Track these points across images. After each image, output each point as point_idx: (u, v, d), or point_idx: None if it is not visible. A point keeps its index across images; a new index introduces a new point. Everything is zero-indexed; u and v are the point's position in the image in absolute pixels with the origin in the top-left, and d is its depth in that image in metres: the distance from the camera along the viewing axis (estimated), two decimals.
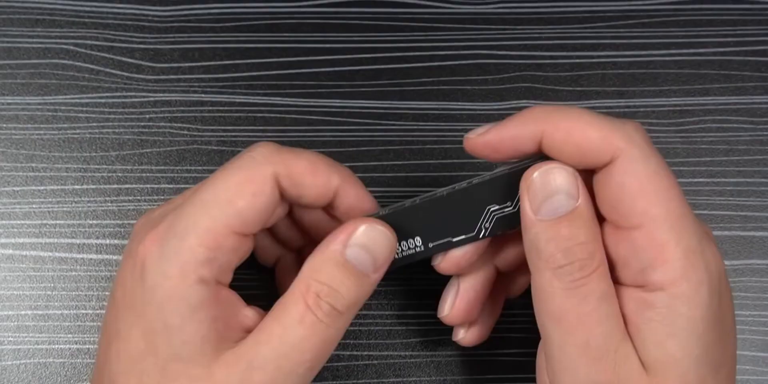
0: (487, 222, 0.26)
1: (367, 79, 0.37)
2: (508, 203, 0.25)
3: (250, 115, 0.36)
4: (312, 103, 0.36)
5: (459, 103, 0.36)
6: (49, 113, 0.35)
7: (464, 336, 0.30)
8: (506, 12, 0.38)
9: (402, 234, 0.26)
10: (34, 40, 0.36)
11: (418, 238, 0.26)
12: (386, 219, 0.26)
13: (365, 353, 0.33)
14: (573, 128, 0.23)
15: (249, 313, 0.25)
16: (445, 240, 0.26)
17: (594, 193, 0.24)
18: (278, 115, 0.36)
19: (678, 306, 0.22)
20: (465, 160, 0.36)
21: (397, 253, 0.26)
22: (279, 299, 0.24)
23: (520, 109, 0.36)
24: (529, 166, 0.24)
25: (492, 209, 0.25)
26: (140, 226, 0.26)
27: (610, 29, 0.38)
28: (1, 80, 0.36)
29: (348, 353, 0.33)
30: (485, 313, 0.30)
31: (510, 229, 0.26)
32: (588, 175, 0.25)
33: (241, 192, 0.24)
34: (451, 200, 0.26)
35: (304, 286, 0.24)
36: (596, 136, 0.23)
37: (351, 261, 0.24)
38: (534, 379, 0.27)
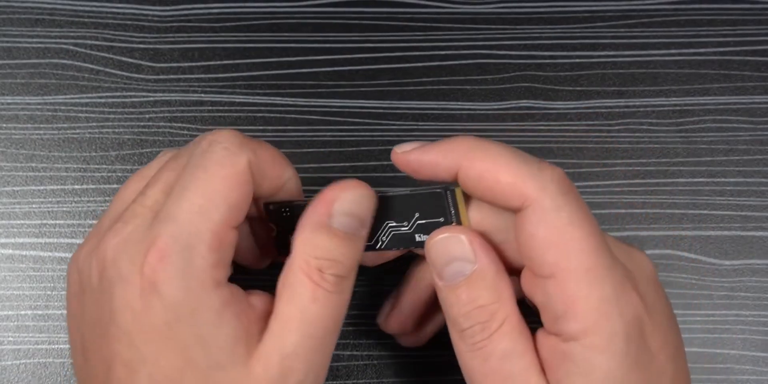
0: (384, 235, 0.26)
1: (366, 78, 0.37)
2: (405, 223, 0.26)
3: (249, 115, 0.36)
4: (312, 103, 0.36)
5: (459, 103, 0.36)
6: (49, 113, 0.35)
7: (400, 339, 0.31)
8: (506, 12, 0.38)
9: None
10: (34, 39, 0.36)
11: None
12: (297, 210, 0.26)
13: (365, 353, 0.33)
14: (486, 170, 0.23)
15: (255, 301, 0.25)
16: None
17: (515, 233, 0.25)
18: (278, 115, 0.36)
19: (592, 358, 0.22)
20: None
21: None
22: (281, 278, 0.24)
23: (520, 108, 0.36)
24: (428, 192, 0.25)
25: (390, 225, 0.26)
26: (113, 252, 0.24)
27: (609, 29, 0.38)
28: (0, 80, 0.36)
29: (348, 353, 0.33)
30: (425, 324, 0.31)
31: (406, 248, 0.26)
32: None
33: (231, 186, 0.24)
34: None
35: (304, 264, 0.24)
36: (507, 181, 0.23)
37: (339, 228, 0.24)
38: None
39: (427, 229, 0.25)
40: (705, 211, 0.35)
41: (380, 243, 0.26)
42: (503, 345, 0.23)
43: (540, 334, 0.24)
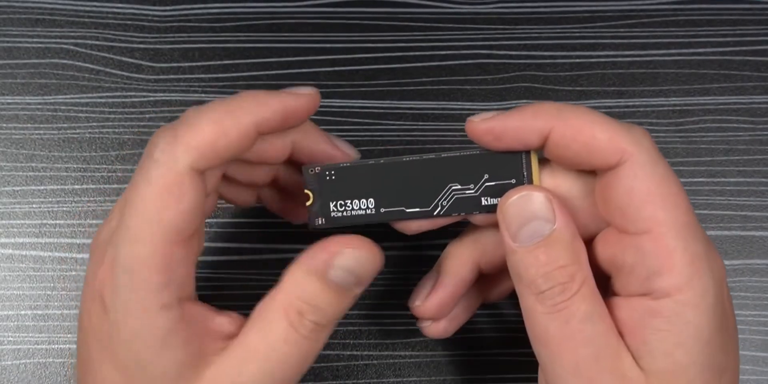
0: (445, 200, 0.25)
1: (366, 78, 0.37)
2: (471, 186, 0.25)
3: None
4: None
5: (459, 103, 0.36)
6: (49, 113, 0.35)
7: (428, 326, 0.30)
8: (506, 12, 0.38)
9: (355, 192, 0.25)
10: (34, 39, 0.36)
11: (371, 200, 0.25)
12: (344, 172, 0.25)
13: (365, 353, 0.33)
14: (583, 127, 0.23)
15: (223, 321, 0.24)
16: (398, 208, 0.25)
17: (598, 195, 0.24)
18: None
19: (685, 313, 0.22)
20: None
21: (345, 212, 0.25)
22: (260, 304, 0.24)
23: None
24: (501, 154, 0.24)
25: (454, 188, 0.25)
26: (93, 249, 0.25)
27: (609, 29, 0.38)
28: (1, 80, 0.36)
29: (348, 353, 0.33)
30: (457, 311, 0.30)
31: (468, 213, 0.25)
32: (589, 177, 0.25)
33: (162, 205, 0.22)
34: (416, 168, 0.25)
35: (287, 302, 0.23)
36: (605, 136, 0.23)
37: (335, 281, 0.24)
38: (535, 379, 0.27)
39: (497, 192, 0.24)
40: (705, 211, 0.35)
41: (439, 208, 0.25)
42: (585, 307, 0.23)
43: (617, 300, 0.24)
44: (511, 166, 0.24)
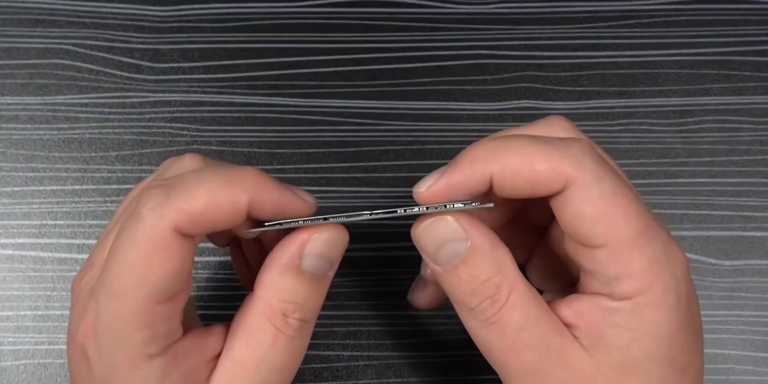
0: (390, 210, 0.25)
1: (367, 79, 0.37)
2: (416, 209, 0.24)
3: (250, 115, 0.36)
4: (312, 103, 0.36)
5: (459, 103, 0.36)
6: (49, 113, 0.35)
7: (419, 296, 0.30)
8: (506, 12, 0.38)
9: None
10: (34, 40, 0.36)
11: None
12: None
13: (365, 353, 0.33)
14: (521, 164, 0.23)
15: (213, 341, 0.24)
16: (343, 213, 0.25)
17: (554, 214, 0.24)
18: (278, 115, 0.36)
19: (644, 313, 0.23)
20: None
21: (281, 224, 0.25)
22: (237, 316, 0.24)
23: (520, 109, 0.36)
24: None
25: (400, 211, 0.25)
26: (74, 297, 0.25)
27: (610, 29, 0.38)
28: (1, 80, 0.36)
29: (348, 353, 0.33)
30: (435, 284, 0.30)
31: (411, 209, 0.24)
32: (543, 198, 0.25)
33: (147, 267, 0.22)
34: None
35: (267, 307, 0.23)
36: (544, 167, 0.23)
37: (309, 270, 0.24)
38: None
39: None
40: (705, 212, 0.35)
41: (383, 210, 0.25)
42: (517, 315, 0.23)
43: (578, 294, 0.24)
44: None
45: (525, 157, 0.23)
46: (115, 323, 0.22)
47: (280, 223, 0.24)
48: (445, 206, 0.24)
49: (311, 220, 0.24)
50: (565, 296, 0.25)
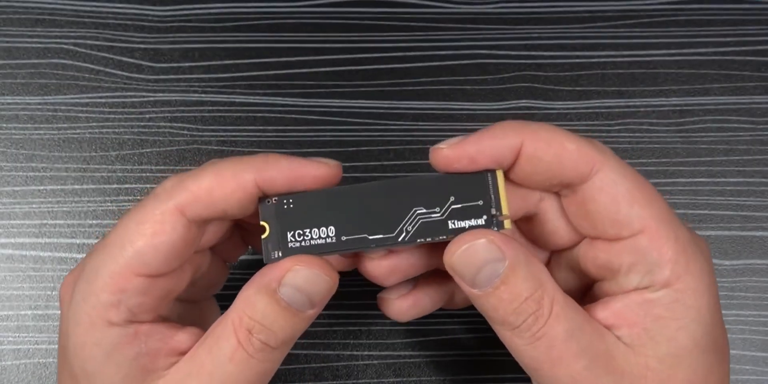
0: (410, 225, 0.24)
1: (367, 79, 0.37)
2: (437, 209, 0.24)
3: (250, 115, 0.36)
4: (312, 103, 0.36)
5: (459, 103, 0.36)
6: (49, 113, 0.35)
7: (394, 301, 0.28)
8: (506, 12, 0.38)
9: (314, 221, 0.24)
10: (34, 39, 0.36)
11: (331, 228, 0.24)
12: (303, 200, 0.24)
13: (365, 353, 0.33)
14: (552, 138, 0.23)
15: (183, 338, 0.24)
16: (361, 236, 0.24)
17: (573, 214, 0.25)
18: (278, 115, 0.36)
19: (685, 298, 0.23)
20: None
21: (304, 241, 0.24)
22: (218, 320, 0.24)
23: (520, 108, 0.36)
24: (466, 175, 0.23)
25: (419, 212, 0.24)
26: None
27: (609, 29, 0.38)
28: (1, 80, 0.36)
29: (348, 353, 0.33)
30: (423, 297, 0.28)
31: (432, 239, 0.24)
32: (552, 200, 0.25)
33: (138, 233, 0.23)
34: (378, 192, 0.24)
35: (237, 319, 0.23)
36: (573, 147, 0.23)
37: (285, 299, 0.23)
38: None
39: (464, 214, 0.24)
40: (705, 211, 0.35)
41: (404, 234, 0.24)
42: (563, 326, 0.23)
43: (613, 295, 0.24)
44: (478, 187, 0.24)
45: (556, 135, 0.23)
46: (91, 277, 0.23)
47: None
48: (453, 231, 0.23)
49: (333, 247, 0.24)
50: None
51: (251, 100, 0.36)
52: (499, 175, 0.24)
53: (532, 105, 0.36)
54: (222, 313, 0.24)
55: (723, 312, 0.34)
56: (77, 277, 0.24)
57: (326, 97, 0.36)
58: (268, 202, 0.24)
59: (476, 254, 0.23)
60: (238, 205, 0.24)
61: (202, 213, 0.23)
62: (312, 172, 0.24)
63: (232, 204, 0.23)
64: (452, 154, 0.23)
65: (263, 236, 0.24)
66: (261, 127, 0.36)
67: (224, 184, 0.23)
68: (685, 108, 0.37)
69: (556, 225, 0.26)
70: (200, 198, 0.23)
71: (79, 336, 0.23)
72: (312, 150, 0.35)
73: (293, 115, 0.36)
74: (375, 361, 0.33)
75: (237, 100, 0.36)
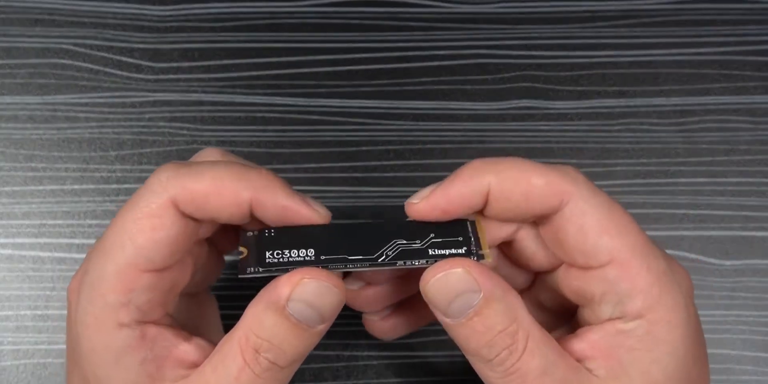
0: (389, 250, 0.24)
1: (367, 79, 0.36)
2: (417, 241, 0.24)
3: (249, 114, 0.36)
4: (312, 103, 0.36)
5: (459, 103, 0.36)
6: (49, 113, 0.35)
7: (375, 320, 0.29)
8: (506, 12, 0.38)
9: (294, 245, 0.24)
10: (34, 39, 0.36)
11: (311, 250, 0.24)
12: (285, 230, 0.24)
13: (365, 353, 0.33)
14: (518, 176, 0.23)
15: (188, 349, 0.24)
16: (340, 256, 0.24)
17: (548, 241, 0.24)
18: (278, 115, 0.36)
19: (658, 331, 0.23)
20: (465, 160, 0.35)
21: (282, 258, 0.24)
22: (225, 337, 0.23)
23: (520, 108, 0.36)
24: (447, 221, 0.24)
25: (399, 242, 0.24)
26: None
27: (610, 29, 0.38)
28: (0, 80, 0.36)
29: (348, 353, 0.33)
30: (403, 317, 0.29)
31: (412, 263, 0.24)
32: (529, 227, 0.25)
33: (137, 229, 0.22)
34: (360, 229, 0.24)
35: (243, 337, 0.22)
36: (541, 182, 0.23)
37: (295, 315, 0.22)
38: None
39: (444, 245, 0.24)
40: (706, 211, 0.35)
41: (384, 257, 0.24)
42: (536, 362, 0.23)
43: (590, 323, 0.24)
44: (457, 229, 0.24)
45: (522, 172, 0.23)
46: (96, 280, 0.23)
47: (269, 270, 0.24)
48: (446, 255, 0.24)
49: (311, 264, 0.24)
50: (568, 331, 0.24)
51: (251, 100, 0.36)
52: (478, 222, 0.24)
53: (532, 105, 0.36)
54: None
55: (724, 312, 0.34)
56: (81, 280, 0.24)
57: (326, 97, 0.36)
58: (249, 233, 0.24)
59: (451, 284, 0.23)
60: (228, 216, 0.23)
61: (194, 213, 0.23)
62: (305, 215, 0.24)
63: (223, 214, 0.23)
64: (424, 208, 0.24)
65: (240, 257, 0.24)
66: (261, 127, 0.36)
67: (222, 195, 0.23)
68: (685, 108, 0.37)
69: (534, 250, 0.26)
70: (195, 200, 0.23)
71: (90, 340, 0.23)
72: (312, 150, 0.35)
73: (293, 115, 0.36)
74: (375, 362, 0.33)
75: (237, 100, 0.36)
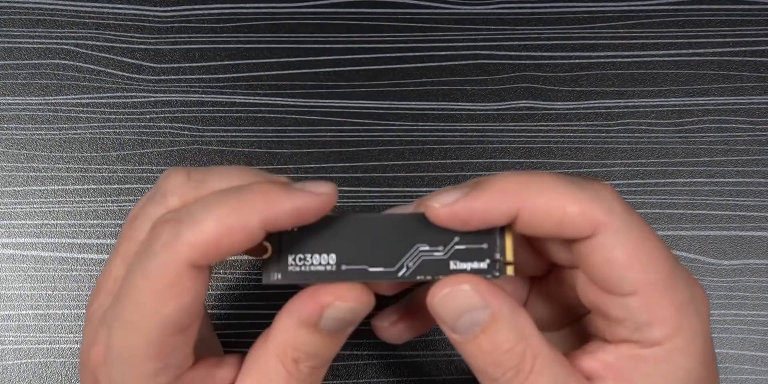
0: (411, 261, 0.23)
1: (367, 79, 0.37)
2: (440, 247, 0.23)
3: (250, 115, 0.36)
4: (312, 103, 0.36)
5: (459, 103, 0.36)
6: (50, 113, 0.35)
7: (385, 327, 0.29)
8: (506, 12, 0.38)
9: (316, 247, 0.24)
10: (35, 40, 0.36)
11: (332, 256, 0.24)
12: (309, 225, 0.23)
13: (365, 353, 0.33)
14: (551, 204, 0.22)
15: (224, 373, 0.24)
16: (361, 267, 0.23)
17: (575, 256, 0.24)
18: (278, 115, 0.36)
19: (675, 359, 0.22)
20: (465, 160, 0.36)
21: (304, 266, 0.23)
22: (252, 350, 0.24)
23: (519, 109, 0.36)
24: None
25: (421, 248, 0.23)
26: (87, 322, 0.25)
27: (609, 29, 0.38)
28: (2, 81, 0.36)
29: (348, 353, 0.33)
30: (411, 321, 0.29)
31: (433, 277, 0.23)
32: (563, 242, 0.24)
33: (160, 302, 0.22)
34: (385, 225, 0.24)
35: (281, 351, 0.23)
36: (576, 210, 0.22)
37: (326, 329, 0.23)
38: None
39: (466, 256, 0.23)
40: (704, 212, 0.36)
41: (404, 270, 0.23)
42: (544, 380, 0.22)
43: (603, 343, 0.24)
44: (484, 233, 0.23)
45: (556, 198, 0.22)
46: (127, 353, 0.22)
47: (292, 279, 0.23)
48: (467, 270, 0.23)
49: (332, 275, 0.23)
50: (577, 342, 0.24)
51: (252, 101, 0.36)
52: (508, 233, 0.23)
53: (532, 105, 0.36)
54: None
55: (722, 312, 0.34)
56: (106, 356, 0.23)
57: (327, 98, 0.36)
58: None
59: (458, 300, 0.23)
60: (245, 248, 0.23)
61: (209, 262, 0.22)
62: (313, 207, 0.23)
63: (238, 249, 0.22)
64: (444, 216, 0.23)
65: (265, 256, 0.24)
66: (261, 128, 0.36)
67: (231, 234, 0.22)
68: (684, 108, 0.37)
69: (557, 249, 0.25)
70: (207, 251, 0.22)
71: None
72: (312, 150, 0.35)
73: (294, 116, 0.36)
74: (375, 361, 0.33)
75: (237, 101, 0.36)
